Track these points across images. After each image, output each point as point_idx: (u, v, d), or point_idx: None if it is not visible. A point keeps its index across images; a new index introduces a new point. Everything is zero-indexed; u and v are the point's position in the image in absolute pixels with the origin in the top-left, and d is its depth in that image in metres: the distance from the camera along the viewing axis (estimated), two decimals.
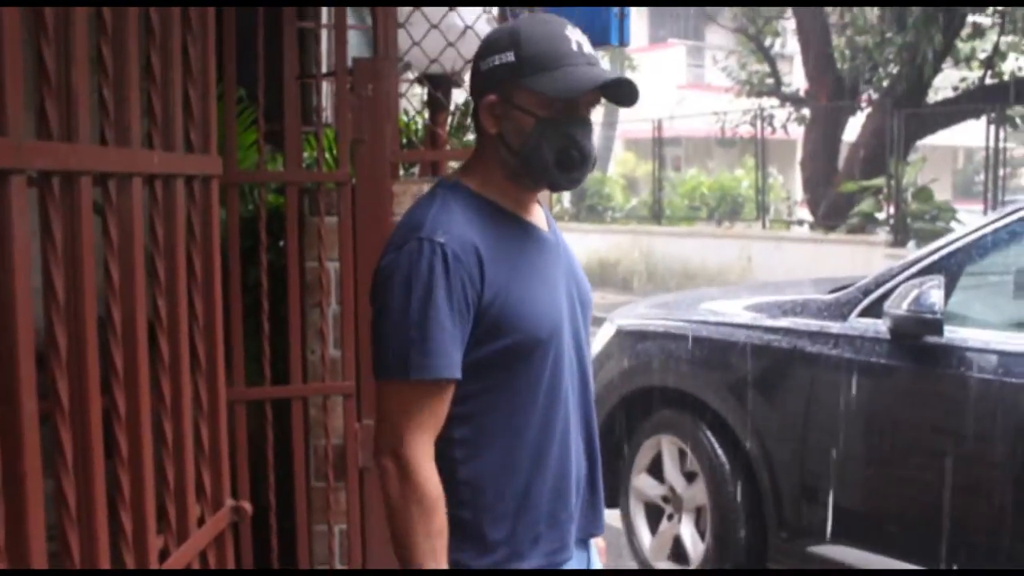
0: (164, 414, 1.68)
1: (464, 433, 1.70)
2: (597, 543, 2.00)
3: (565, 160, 1.70)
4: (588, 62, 1.69)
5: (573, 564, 1.82)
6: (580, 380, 1.83)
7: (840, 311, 3.78)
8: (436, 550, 1.62)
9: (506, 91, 1.70)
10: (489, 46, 1.73)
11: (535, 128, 1.68)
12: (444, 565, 1.63)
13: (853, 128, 15.91)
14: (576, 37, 1.70)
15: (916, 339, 3.48)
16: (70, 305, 1.40)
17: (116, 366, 1.56)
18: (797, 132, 17.20)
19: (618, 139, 25.13)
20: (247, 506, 1.94)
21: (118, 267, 1.57)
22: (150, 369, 1.68)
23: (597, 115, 22.67)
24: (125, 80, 1.64)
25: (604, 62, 1.61)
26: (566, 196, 22.45)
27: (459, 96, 4.07)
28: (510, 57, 1.68)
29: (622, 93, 1.73)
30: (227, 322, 2.86)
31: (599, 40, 3.72)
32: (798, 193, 18.53)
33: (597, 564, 1.94)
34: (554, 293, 1.76)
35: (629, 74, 24.50)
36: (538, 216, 1.84)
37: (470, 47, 3.41)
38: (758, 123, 16.81)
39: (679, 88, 25.89)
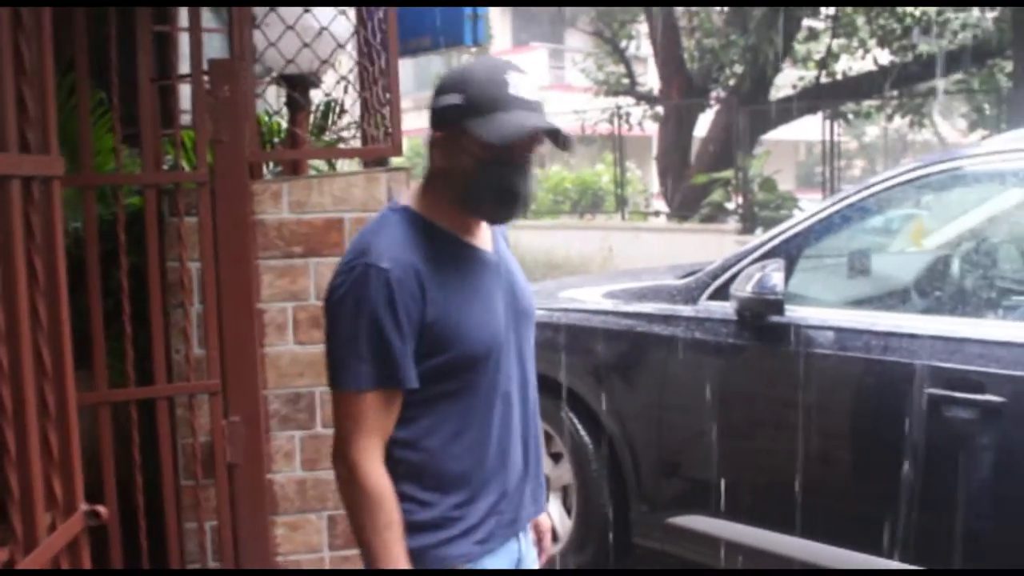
0: (6, 424, 1.56)
1: (409, 435, 1.78)
2: (541, 523, 2.14)
3: (500, 200, 1.78)
4: (527, 108, 1.73)
5: (503, 556, 1.91)
6: (521, 385, 1.91)
7: (691, 295, 3.82)
8: (387, 542, 1.71)
9: (452, 131, 1.76)
10: (442, 86, 1.79)
11: (475, 169, 1.75)
12: (396, 555, 1.72)
13: (703, 124, 16.29)
14: (517, 81, 1.74)
15: (760, 319, 3.54)
16: None
17: None
18: (652, 128, 17.53)
19: None
20: (102, 509, 1.82)
21: None
22: None
23: None
24: None
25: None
26: None
27: (317, 96, 3.97)
28: (456, 99, 1.74)
29: (557, 139, 1.78)
30: (86, 326, 2.71)
31: (453, 41, 3.69)
32: (654, 186, 18.90)
33: (531, 547, 2.04)
34: (492, 310, 1.83)
35: None
36: (482, 237, 1.90)
37: (326, 47, 3.33)
38: (615, 121, 17.05)
39: (542, 89, 26.02)
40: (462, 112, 1.73)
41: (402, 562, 1.73)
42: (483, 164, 1.74)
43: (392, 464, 1.77)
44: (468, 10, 3.74)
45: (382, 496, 1.72)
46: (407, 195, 1.88)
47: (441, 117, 1.77)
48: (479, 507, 1.84)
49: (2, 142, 1.64)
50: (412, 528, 1.77)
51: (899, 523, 3.18)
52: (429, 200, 1.84)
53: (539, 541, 2.16)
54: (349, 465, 1.73)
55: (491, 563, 1.87)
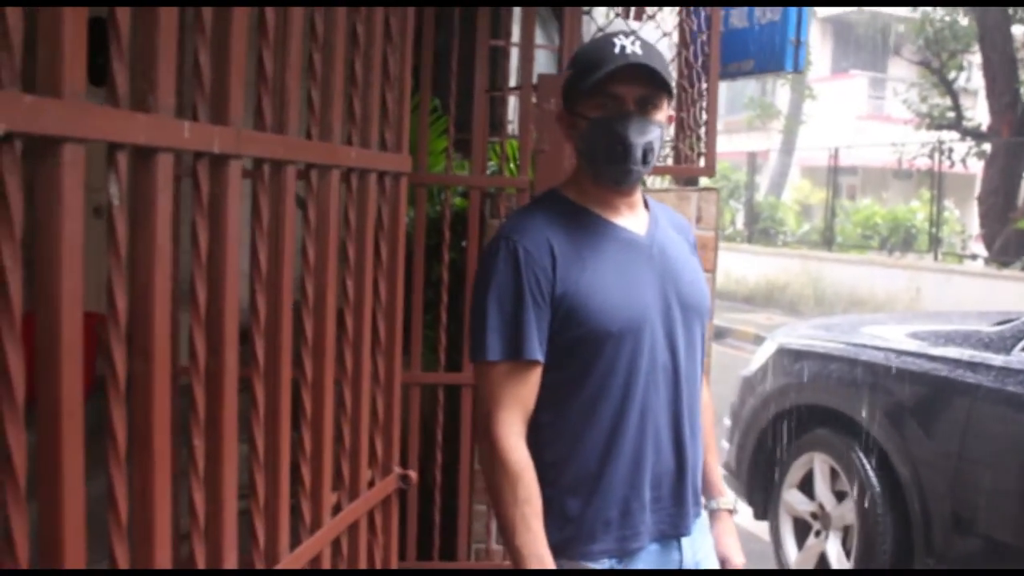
0: (345, 384, 1.78)
1: (546, 418, 1.76)
2: (726, 557, 1.98)
3: (611, 154, 1.75)
4: (623, 60, 1.71)
5: (653, 560, 1.82)
6: (672, 378, 1.82)
7: (1004, 344, 3.61)
8: (526, 516, 1.66)
9: (570, 103, 1.80)
10: (566, 68, 1.85)
11: (587, 129, 1.77)
12: (534, 532, 1.66)
13: None
14: (624, 42, 1.73)
15: None
16: (271, 282, 1.51)
17: (307, 338, 1.66)
18: (976, 167, 16.40)
19: (795, 166, 24.55)
20: (413, 475, 2.02)
21: (314, 249, 1.68)
22: (336, 344, 1.79)
23: (774, 142, 22.11)
24: (331, 83, 1.75)
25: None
26: (739, 218, 22.12)
27: None
28: (570, 72, 1.80)
29: (655, 79, 1.74)
30: (408, 311, 2.98)
31: (774, 67, 3.69)
32: (973, 228, 17.67)
33: (693, 564, 1.89)
34: (635, 291, 1.78)
35: (808, 103, 23.95)
36: (633, 219, 1.86)
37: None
38: (936, 156, 16.11)
39: (858, 119, 25.07)
40: (574, 81, 1.77)
41: (540, 541, 1.67)
42: (593, 122, 1.75)
43: (531, 446, 1.74)
44: (791, 35, 3.73)
45: (521, 470, 1.68)
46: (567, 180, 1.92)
47: (563, 95, 1.82)
48: (606, 503, 1.76)
49: (366, 139, 1.87)
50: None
51: None
52: (575, 184, 1.87)
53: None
54: (491, 439, 1.70)
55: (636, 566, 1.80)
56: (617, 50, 1.71)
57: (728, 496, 2.09)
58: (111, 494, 1.09)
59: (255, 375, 1.47)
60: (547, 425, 1.77)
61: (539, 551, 1.66)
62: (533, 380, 1.74)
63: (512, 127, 4.16)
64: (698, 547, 1.90)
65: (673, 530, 1.84)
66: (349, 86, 1.87)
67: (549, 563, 1.66)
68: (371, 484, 1.91)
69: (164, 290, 1.17)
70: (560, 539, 1.74)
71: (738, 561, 2.00)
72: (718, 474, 2.09)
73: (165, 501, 1.19)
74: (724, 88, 22.53)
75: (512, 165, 3.58)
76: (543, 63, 5.01)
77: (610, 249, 1.80)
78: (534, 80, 3.18)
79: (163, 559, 1.19)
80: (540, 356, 1.72)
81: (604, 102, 1.74)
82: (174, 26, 1.18)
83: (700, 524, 1.93)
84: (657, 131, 1.77)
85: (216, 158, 1.31)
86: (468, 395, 3.04)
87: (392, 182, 2.02)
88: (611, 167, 1.77)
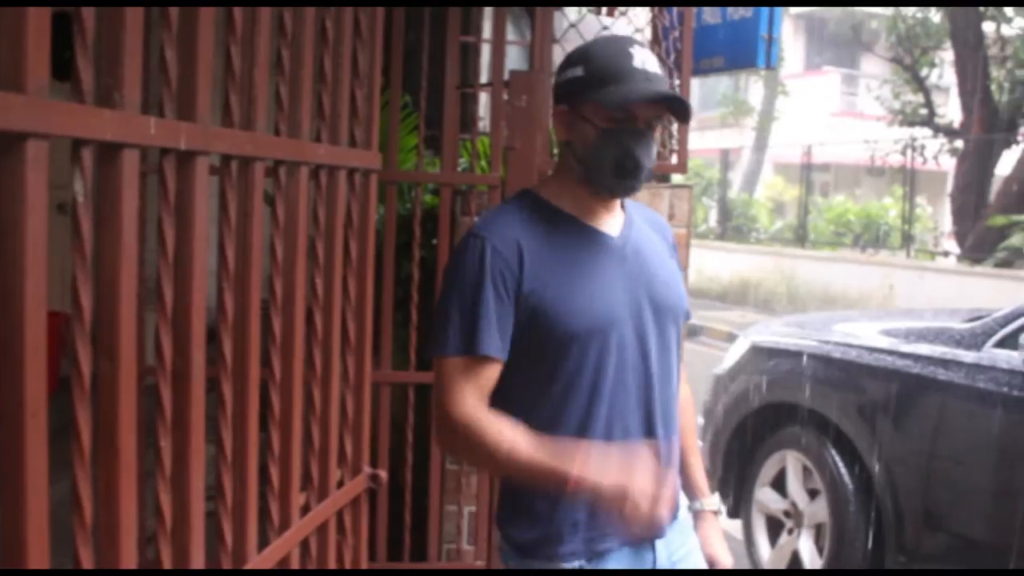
0: (314, 384, 1.78)
1: (514, 419, 1.72)
2: (713, 558, 1.99)
3: (620, 168, 1.76)
4: (646, 79, 1.74)
5: (625, 561, 1.82)
6: (643, 380, 1.82)
7: (975, 340, 3.66)
8: (551, 455, 1.63)
9: (575, 102, 1.78)
10: (565, 61, 1.82)
11: (596, 137, 1.76)
12: (566, 459, 1.62)
13: (1008, 162, 15.24)
14: (641, 55, 1.76)
15: None
16: (239, 280, 1.51)
17: (275, 337, 1.66)
18: (948, 164, 16.58)
19: (768, 163, 24.71)
20: (383, 474, 2.03)
21: (283, 247, 1.68)
22: (305, 344, 1.79)
23: (747, 139, 22.25)
24: (300, 80, 1.75)
25: (668, 83, 1.65)
26: (712, 215, 22.25)
27: None
28: (579, 72, 1.77)
29: (679, 110, 1.78)
30: (378, 309, 2.98)
31: (746, 63, 3.71)
32: (946, 224, 17.86)
33: (669, 565, 1.88)
34: (603, 292, 1.79)
35: (780, 99, 24.12)
36: (608, 221, 1.87)
37: None
38: (908, 153, 16.27)
39: (832, 115, 25.27)
40: (585, 83, 1.75)
41: (577, 460, 1.62)
42: (605, 132, 1.75)
43: None
44: (763, 31, 3.76)
45: (501, 426, 1.67)
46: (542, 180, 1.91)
47: (565, 91, 1.80)
48: (574, 503, 1.72)
49: (336, 136, 1.87)
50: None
51: None
52: (554, 183, 1.87)
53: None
54: (450, 426, 1.69)
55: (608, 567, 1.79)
56: (637, 64, 1.74)
57: (713, 497, 2.09)
58: (76, 495, 1.09)
59: (223, 375, 1.47)
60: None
61: (570, 464, 1.61)
62: (488, 376, 1.73)
63: (484, 124, 4.16)
64: (675, 548, 1.89)
65: (646, 531, 1.76)
66: (318, 83, 1.88)
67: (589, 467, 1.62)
68: (340, 484, 1.91)
69: (130, 288, 1.17)
70: (530, 539, 1.76)
71: (725, 562, 2.01)
72: (701, 475, 2.08)
73: (131, 502, 1.19)
74: (697, 85, 22.61)
75: (483, 162, 3.58)
76: (514, 59, 5.02)
77: (581, 251, 1.80)
78: (505, 77, 3.19)
79: (128, 560, 1.19)
80: (497, 353, 1.71)
81: (618, 115, 1.75)
82: (140, 21, 1.18)
83: (677, 525, 1.92)
84: (656, 147, 1.82)
85: (183, 154, 1.31)
86: None
87: (362, 179, 2.03)
88: (616, 181, 1.79)
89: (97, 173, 1.12)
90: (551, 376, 1.76)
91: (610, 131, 1.75)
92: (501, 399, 1.75)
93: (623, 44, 1.78)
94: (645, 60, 1.75)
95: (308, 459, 1.79)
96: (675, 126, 3.22)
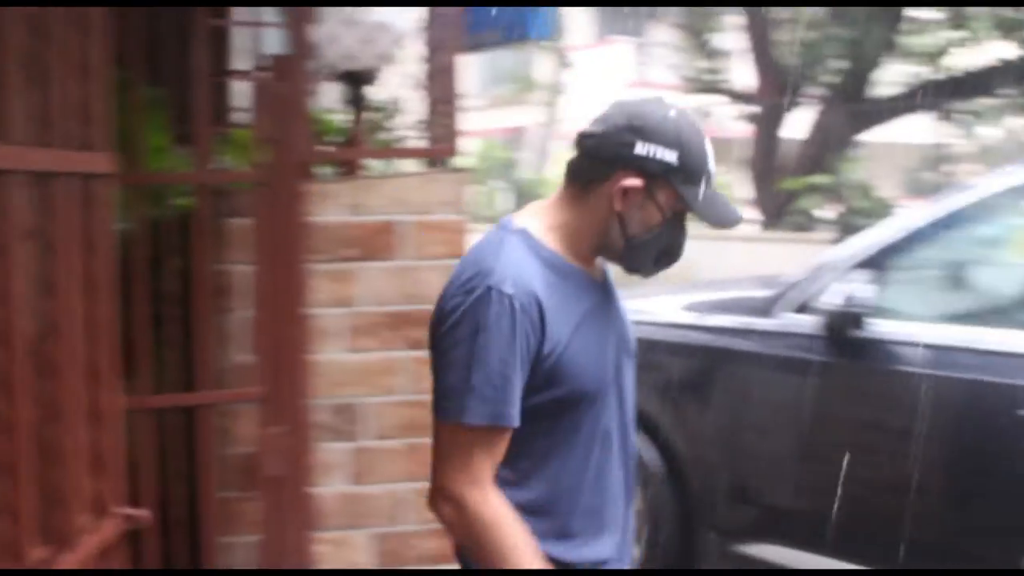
0: (47, 420, 1.68)
1: (507, 474, 1.78)
2: None
3: (666, 257, 1.88)
4: (717, 186, 1.86)
5: None
6: (621, 424, 1.92)
7: (767, 307, 3.82)
8: (523, 564, 1.71)
9: (653, 182, 1.79)
10: (653, 132, 1.77)
11: (659, 223, 1.82)
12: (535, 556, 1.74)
13: (794, 126, 16.06)
14: (712, 154, 1.84)
15: (844, 334, 3.51)
16: None
17: None
18: (740, 130, 17.32)
19: (561, 139, 25.19)
20: (144, 513, 1.93)
21: None
22: (33, 377, 1.68)
23: (540, 114, 22.56)
24: (3, 77, 1.63)
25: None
26: (503, 198, 22.54)
27: (380, 95, 4.06)
28: (673, 157, 1.77)
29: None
30: (131, 328, 2.83)
31: (519, 35, 3.76)
32: (744, 192, 18.68)
33: None
34: (605, 346, 1.86)
35: (571, 73, 24.62)
36: (599, 271, 1.94)
37: (386, 43, 3.42)
38: (702, 120, 16.88)
39: (627, 86, 25.99)
40: (675, 172, 1.78)
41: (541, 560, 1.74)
42: (669, 224, 1.82)
43: None
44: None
45: (502, 519, 1.72)
46: (523, 217, 1.87)
47: (645, 164, 1.78)
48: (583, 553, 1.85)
49: (60, 139, 1.76)
50: None
51: (1001, 556, 3.15)
52: (556, 227, 1.85)
53: None
54: (456, 502, 1.71)
55: None
56: (711, 166, 1.82)
57: None
58: None
59: None
60: (506, 481, 1.78)
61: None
62: (504, 447, 1.75)
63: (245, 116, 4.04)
64: None
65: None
66: (32, 80, 1.76)
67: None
68: (89, 530, 1.81)
69: None
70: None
71: None
72: None
73: None
74: (487, 61, 22.79)
75: (248, 157, 3.46)
76: (277, 44, 4.90)
77: (588, 305, 1.84)
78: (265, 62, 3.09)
79: None
80: (516, 423, 1.73)
81: (678, 208, 1.82)
82: None
83: None
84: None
85: None
86: (206, 417, 2.92)
87: (95, 185, 1.92)
88: (653, 267, 1.89)
89: None
90: (555, 432, 1.81)
91: (672, 225, 1.83)
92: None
93: (704, 137, 1.82)
94: (713, 160, 1.83)
95: (45, 507, 1.68)
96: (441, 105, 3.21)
